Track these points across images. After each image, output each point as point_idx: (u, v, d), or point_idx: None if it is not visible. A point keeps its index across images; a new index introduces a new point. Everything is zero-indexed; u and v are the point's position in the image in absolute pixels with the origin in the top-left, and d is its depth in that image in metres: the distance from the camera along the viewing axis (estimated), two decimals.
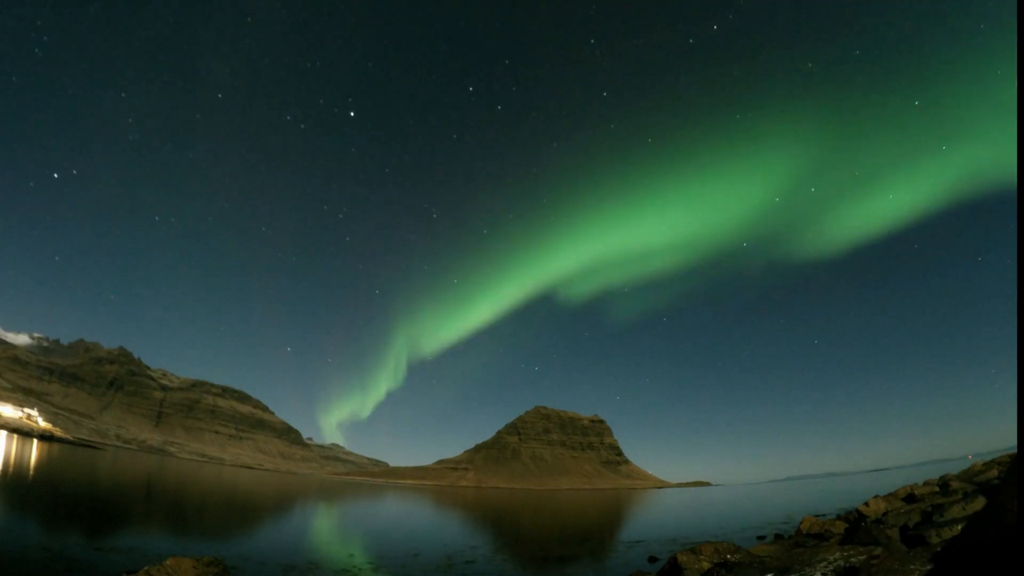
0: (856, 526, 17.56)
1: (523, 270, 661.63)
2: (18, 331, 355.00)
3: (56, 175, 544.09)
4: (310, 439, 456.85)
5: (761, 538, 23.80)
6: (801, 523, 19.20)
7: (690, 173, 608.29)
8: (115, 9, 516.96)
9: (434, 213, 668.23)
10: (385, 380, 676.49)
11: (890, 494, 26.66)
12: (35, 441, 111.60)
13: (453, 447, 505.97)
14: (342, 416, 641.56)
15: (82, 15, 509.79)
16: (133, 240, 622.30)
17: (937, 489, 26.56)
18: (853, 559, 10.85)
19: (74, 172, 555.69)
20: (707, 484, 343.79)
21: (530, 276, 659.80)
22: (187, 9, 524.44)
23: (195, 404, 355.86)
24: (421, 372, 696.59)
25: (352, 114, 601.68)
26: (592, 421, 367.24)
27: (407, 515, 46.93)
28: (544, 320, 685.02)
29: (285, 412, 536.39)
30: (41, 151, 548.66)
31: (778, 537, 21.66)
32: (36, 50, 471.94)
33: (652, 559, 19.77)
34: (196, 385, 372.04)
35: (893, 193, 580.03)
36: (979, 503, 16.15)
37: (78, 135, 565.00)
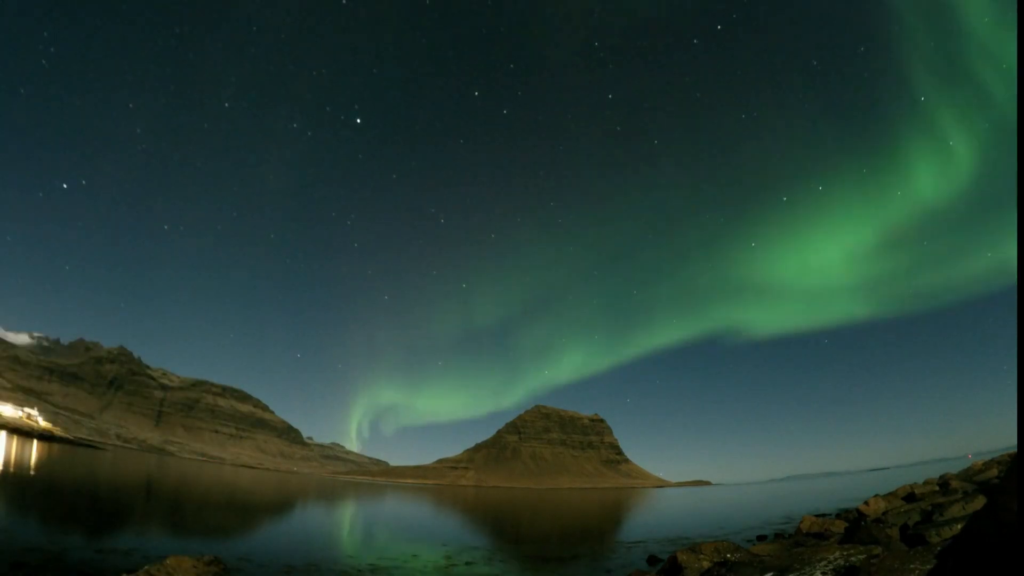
0: (856, 525, 17.57)
1: (529, 273, 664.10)
2: (18, 331, 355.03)
3: (65, 185, 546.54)
4: (310, 438, 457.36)
5: (761, 537, 23.80)
6: (801, 522, 19.20)
7: (695, 174, 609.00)
8: (121, 19, 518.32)
9: (441, 218, 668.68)
10: (392, 381, 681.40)
11: (890, 493, 26.68)
12: (35, 441, 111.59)
13: (453, 446, 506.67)
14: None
15: (88, 25, 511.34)
16: (140, 246, 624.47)
17: (937, 488, 26.56)
18: (853, 558, 10.85)
19: (83, 182, 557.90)
20: (707, 483, 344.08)
21: (534, 279, 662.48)
22: (193, 19, 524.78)
23: (195, 403, 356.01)
24: (427, 373, 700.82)
25: (358, 120, 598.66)
26: (592, 420, 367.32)
27: (406, 515, 46.96)
28: (547, 321, 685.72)
29: (285, 411, 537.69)
30: (49, 162, 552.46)
31: (778, 536, 21.66)
32: (43, 61, 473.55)
33: (652, 559, 19.76)
34: (196, 384, 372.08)
35: (900, 191, 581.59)
36: (979, 502, 16.15)
37: (86, 145, 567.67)
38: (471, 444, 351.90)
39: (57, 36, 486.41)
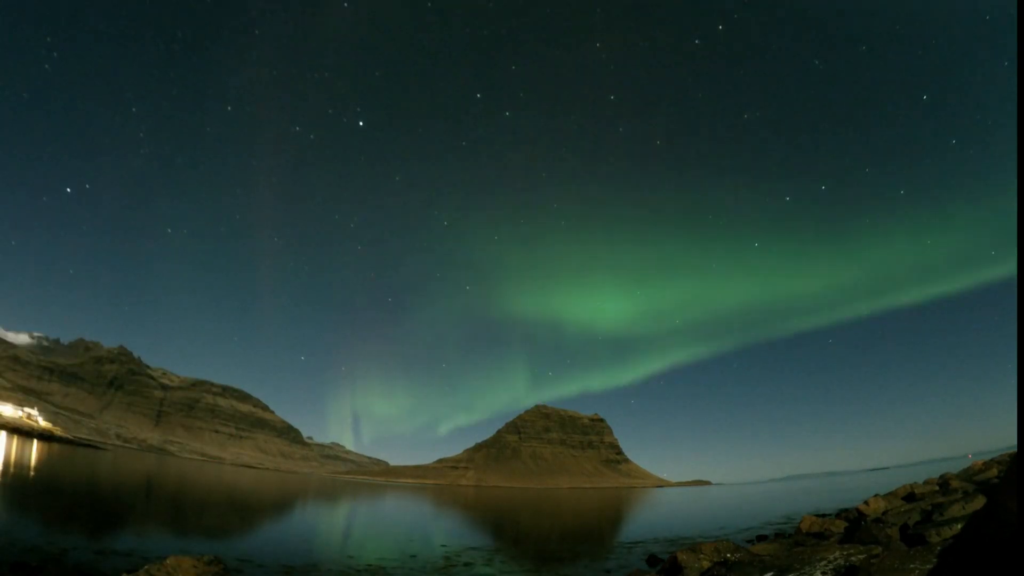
0: (856, 525, 17.57)
1: (532, 274, 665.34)
2: (18, 330, 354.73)
3: (68, 189, 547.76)
4: (310, 438, 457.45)
5: (762, 537, 23.79)
6: (801, 522, 19.20)
7: (698, 174, 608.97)
8: (124, 24, 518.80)
9: (445, 220, 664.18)
10: (394, 382, 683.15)
11: (890, 493, 26.66)
12: (35, 441, 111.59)
13: (453, 446, 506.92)
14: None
15: (91, 30, 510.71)
16: (142, 248, 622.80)
17: (937, 488, 26.54)
18: (853, 558, 10.86)
19: (86, 186, 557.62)
20: (707, 483, 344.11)
21: (538, 280, 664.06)
22: (195, 22, 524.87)
23: (195, 403, 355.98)
24: (429, 374, 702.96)
25: (361, 123, 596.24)
26: (592, 420, 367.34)
27: (406, 515, 46.96)
28: (550, 322, 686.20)
29: (285, 411, 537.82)
30: (52, 166, 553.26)
31: (778, 536, 21.66)
32: (46, 66, 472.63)
33: (652, 559, 19.76)
34: (196, 384, 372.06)
35: (904, 190, 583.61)
36: (979, 502, 16.14)
37: (89, 149, 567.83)
38: (471, 444, 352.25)
39: (59, 40, 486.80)
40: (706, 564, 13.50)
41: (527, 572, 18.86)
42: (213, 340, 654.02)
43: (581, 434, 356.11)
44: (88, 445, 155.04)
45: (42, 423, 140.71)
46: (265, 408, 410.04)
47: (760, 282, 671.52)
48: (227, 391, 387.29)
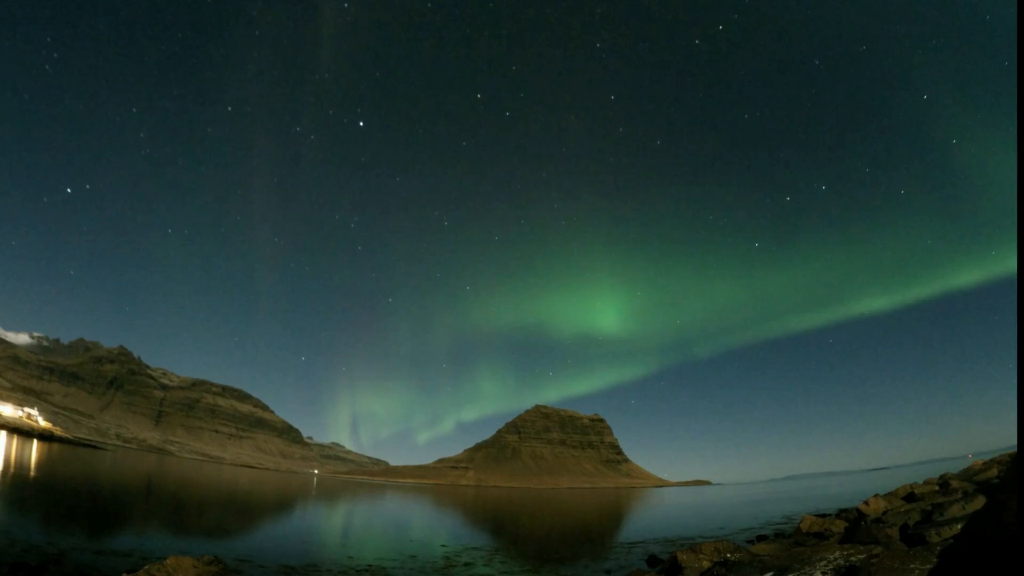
0: (856, 525, 17.54)
1: (532, 273, 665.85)
2: (18, 331, 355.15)
3: (69, 189, 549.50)
4: (310, 438, 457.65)
5: (762, 537, 23.78)
6: (801, 522, 19.18)
7: (698, 174, 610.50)
8: (124, 25, 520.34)
9: (445, 220, 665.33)
10: (394, 382, 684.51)
11: (890, 493, 26.67)
12: (35, 441, 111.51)
13: (453, 446, 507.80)
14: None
15: (91, 30, 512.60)
16: (143, 249, 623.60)
17: (937, 488, 26.54)
18: (853, 558, 10.86)
19: (87, 187, 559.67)
20: (707, 483, 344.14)
21: (538, 279, 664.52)
22: (196, 23, 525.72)
23: (195, 403, 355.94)
24: (429, 375, 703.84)
25: (361, 124, 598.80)
26: (592, 420, 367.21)
27: (406, 515, 46.96)
28: (550, 321, 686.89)
29: (285, 411, 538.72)
30: (54, 166, 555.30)
31: (778, 536, 21.66)
32: (46, 66, 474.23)
33: (652, 559, 19.76)
34: (196, 384, 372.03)
35: (904, 189, 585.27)
36: (979, 502, 16.14)
37: (90, 150, 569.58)
38: (471, 444, 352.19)
39: (60, 41, 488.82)
40: (706, 564, 13.51)
41: (527, 572, 18.85)
42: (213, 340, 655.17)
43: (581, 434, 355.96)
44: (88, 445, 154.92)
45: (42, 423, 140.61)
46: (265, 408, 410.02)
47: (760, 282, 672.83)
48: (227, 391, 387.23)
